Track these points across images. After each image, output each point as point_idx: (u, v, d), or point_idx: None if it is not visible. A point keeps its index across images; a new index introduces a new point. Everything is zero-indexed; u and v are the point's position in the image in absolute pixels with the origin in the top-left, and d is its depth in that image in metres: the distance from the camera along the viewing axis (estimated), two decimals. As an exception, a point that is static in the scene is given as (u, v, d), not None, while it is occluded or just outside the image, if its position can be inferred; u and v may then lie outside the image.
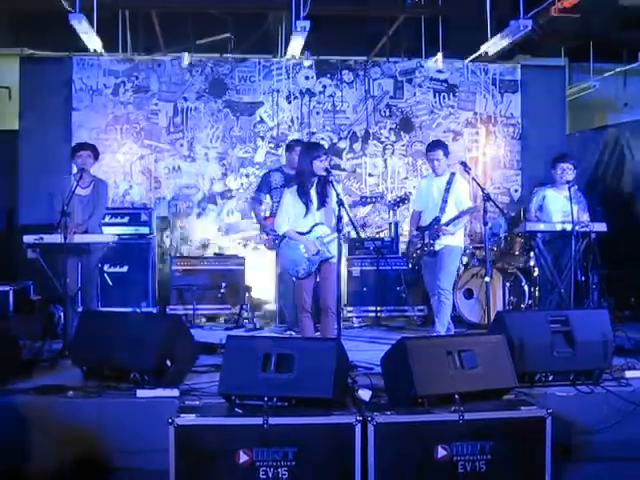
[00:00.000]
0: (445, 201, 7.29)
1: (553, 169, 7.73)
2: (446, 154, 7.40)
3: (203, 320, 9.02)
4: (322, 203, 6.51)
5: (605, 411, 5.05)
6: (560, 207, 7.59)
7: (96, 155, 7.48)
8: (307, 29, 7.98)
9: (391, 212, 8.84)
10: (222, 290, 8.95)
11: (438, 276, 7.30)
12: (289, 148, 8.31)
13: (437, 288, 7.31)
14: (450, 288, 7.40)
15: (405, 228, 9.21)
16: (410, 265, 7.68)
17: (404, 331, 8.26)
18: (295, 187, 6.59)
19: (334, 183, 6.34)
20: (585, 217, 7.56)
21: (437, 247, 7.30)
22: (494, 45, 8.63)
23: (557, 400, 5.00)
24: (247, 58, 10.24)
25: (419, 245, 7.40)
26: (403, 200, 6.96)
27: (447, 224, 7.22)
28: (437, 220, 7.27)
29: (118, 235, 7.57)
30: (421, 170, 10.20)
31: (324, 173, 6.44)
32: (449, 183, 7.32)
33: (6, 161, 9.85)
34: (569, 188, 7.28)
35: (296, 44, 8.75)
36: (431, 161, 7.40)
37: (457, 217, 7.25)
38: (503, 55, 9.82)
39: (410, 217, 7.86)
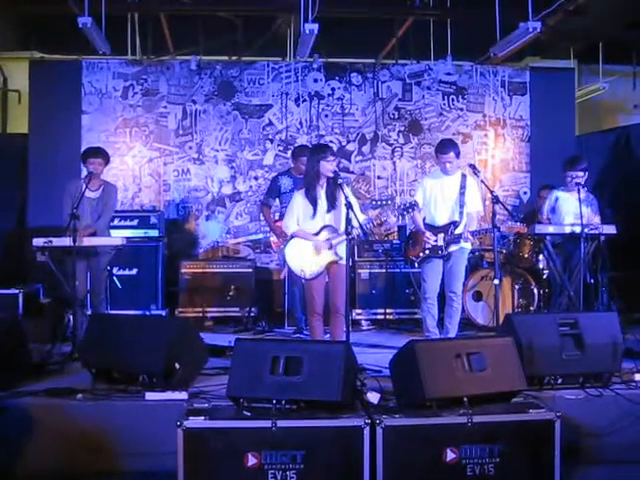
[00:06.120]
0: (462, 205, 7.12)
1: (563, 173, 7.69)
2: (457, 155, 7.14)
3: (212, 323, 8.99)
4: (332, 206, 6.47)
5: (614, 414, 5.05)
6: (572, 209, 7.54)
7: (107, 161, 7.52)
8: (315, 32, 7.98)
9: (400, 217, 8.81)
10: (231, 293, 8.96)
11: (450, 280, 7.16)
12: (294, 155, 8.33)
13: (449, 293, 7.18)
14: (460, 292, 7.32)
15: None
16: (409, 264, 7.65)
17: (413, 334, 8.17)
18: (304, 189, 6.58)
19: (344, 186, 6.28)
20: (597, 219, 7.53)
21: (451, 249, 7.12)
22: (503, 47, 8.63)
23: (566, 403, 4.99)
24: (256, 61, 10.24)
25: (430, 245, 7.15)
26: (412, 206, 6.85)
27: (471, 233, 7.11)
28: (455, 225, 7.10)
29: (127, 238, 7.58)
30: (430, 172, 10.14)
31: (331, 175, 6.40)
32: (463, 187, 7.14)
33: (16, 164, 9.86)
34: (579, 191, 7.27)
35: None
36: (443, 163, 7.13)
37: (477, 232, 7.21)
38: (512, 57, 9.82)
39: (413, 216, 7.30)
